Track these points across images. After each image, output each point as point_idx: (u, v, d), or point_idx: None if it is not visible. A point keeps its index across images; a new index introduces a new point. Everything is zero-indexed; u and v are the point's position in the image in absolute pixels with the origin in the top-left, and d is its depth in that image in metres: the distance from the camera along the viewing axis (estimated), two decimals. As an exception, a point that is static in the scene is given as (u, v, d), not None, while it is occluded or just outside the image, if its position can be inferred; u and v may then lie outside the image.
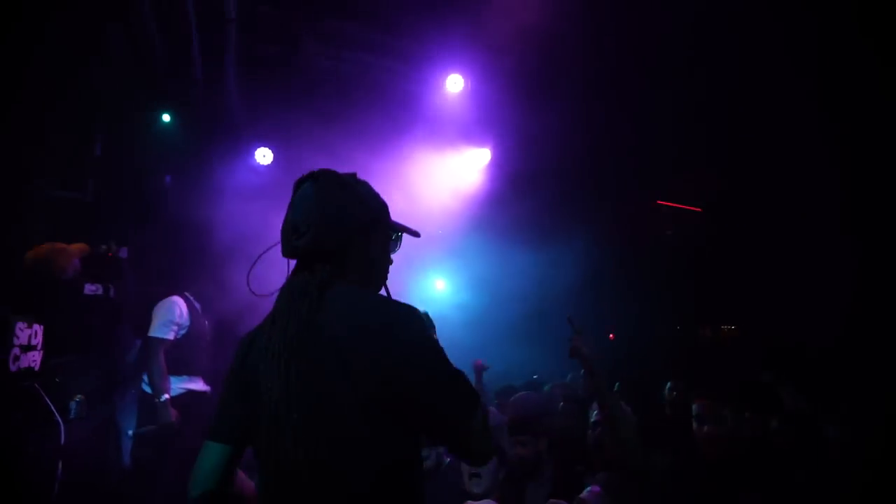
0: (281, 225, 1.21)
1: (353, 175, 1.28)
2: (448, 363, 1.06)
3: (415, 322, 1.08)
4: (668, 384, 3.86)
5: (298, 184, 1.23)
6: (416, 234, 1.34)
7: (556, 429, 2.42)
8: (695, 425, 2.05)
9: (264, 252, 1.29)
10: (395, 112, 5.48)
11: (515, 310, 6.24)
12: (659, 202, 6.95)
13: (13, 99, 3.67)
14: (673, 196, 6.89)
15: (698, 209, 6.97)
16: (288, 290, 1.14)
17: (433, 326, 1.32)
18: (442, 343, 1.12)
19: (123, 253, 3.26)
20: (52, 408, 2.10)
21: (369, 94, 5.49)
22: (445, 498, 2.37)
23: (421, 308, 1.21)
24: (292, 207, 1.20)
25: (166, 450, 3.19)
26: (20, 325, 2.17)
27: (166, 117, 4.92)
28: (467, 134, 6.20)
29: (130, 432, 3.41)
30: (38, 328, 2.32)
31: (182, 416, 3.25)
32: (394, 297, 1.22)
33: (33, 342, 2.26)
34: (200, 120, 5.05)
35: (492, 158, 6.46)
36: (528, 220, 6.36)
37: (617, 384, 4.07)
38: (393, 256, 1.32)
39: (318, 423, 0.98)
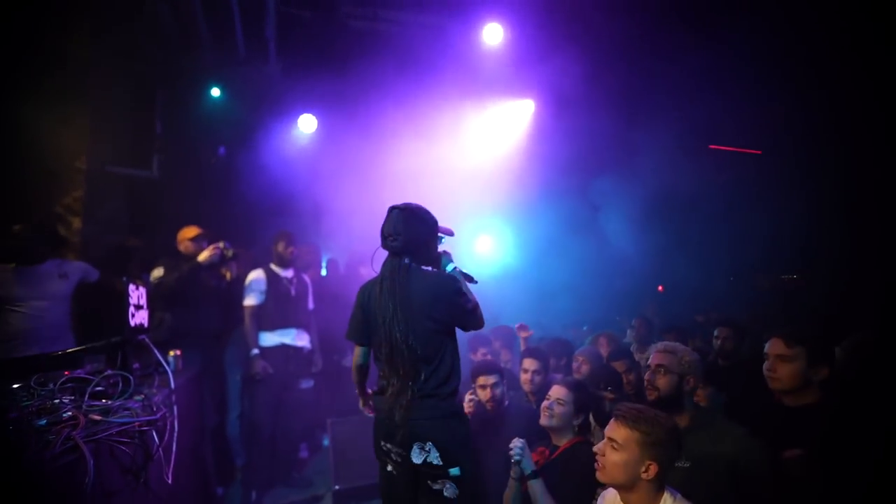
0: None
1: (421, 206, 2.24)
2: (469, 299, 2.19)
3: (454, 284, 2.18)
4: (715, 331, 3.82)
5: (391, 209, 2.21)
6: (450, 233, 2.36)
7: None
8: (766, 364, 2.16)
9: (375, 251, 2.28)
10: (434, 69, 5.41)
11: (562, 265, 6.28)
12: (712, 146, 6.58)
13: (81, 90, 3.98)
14: (728, 139, 6.50)
15: (757, 151, 6.56)
16: (390, 268, 2.18)
17: (463, 275, 2.32)
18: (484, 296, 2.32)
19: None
20: (161, 358, 2.41)
21: (408, 54, 5.42)
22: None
23: (454, 265, 2.32)
24: (388, 222, 2.19)
25: (254, 392, 3.98)
26: (131, 286, 2.48)
27: (216, 91, 5.13)
28: (509, 86, 6.05)
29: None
30: (143, 290, 2.65)
31: (272, 365, 3.93)
32: (452, 255, 2.39)
33: (140, 302, 2.59)
34: (247, 91, 5.23)
35: (535, 109, 6.33)
36: (573, 170, 6.24)
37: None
38: (450, 225, 2.34)
39: (409, 327, 2.11)
